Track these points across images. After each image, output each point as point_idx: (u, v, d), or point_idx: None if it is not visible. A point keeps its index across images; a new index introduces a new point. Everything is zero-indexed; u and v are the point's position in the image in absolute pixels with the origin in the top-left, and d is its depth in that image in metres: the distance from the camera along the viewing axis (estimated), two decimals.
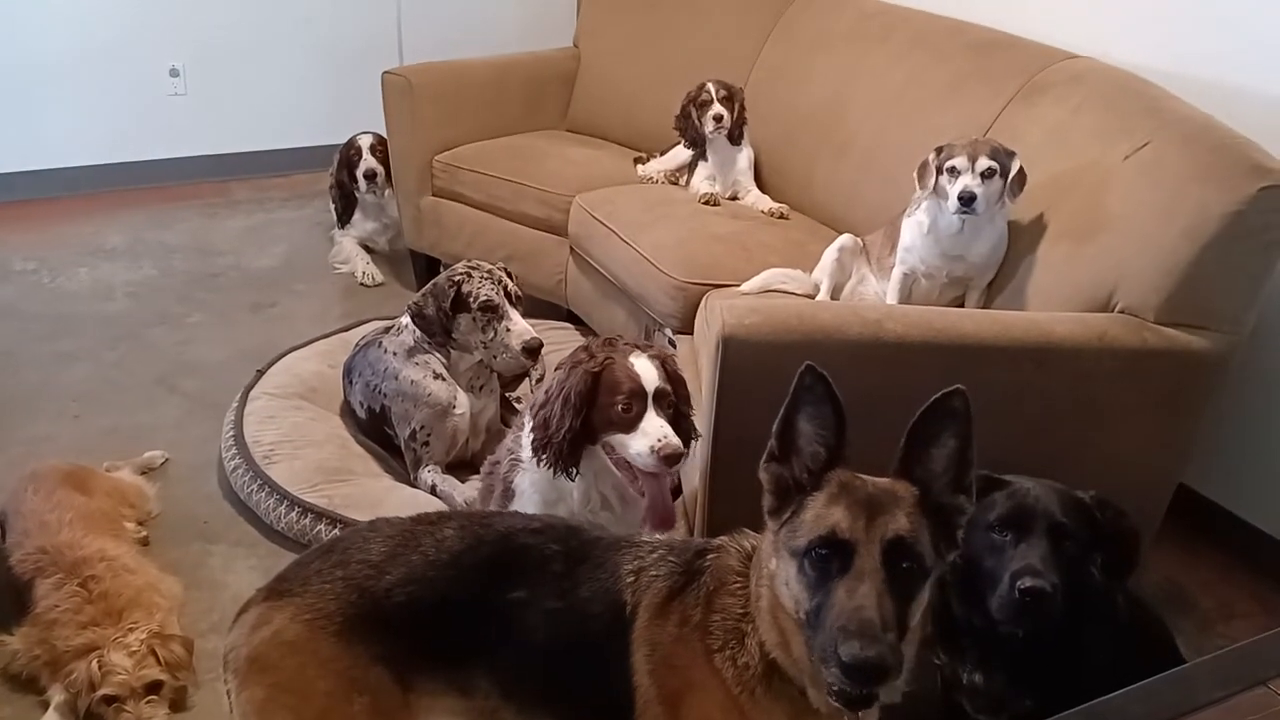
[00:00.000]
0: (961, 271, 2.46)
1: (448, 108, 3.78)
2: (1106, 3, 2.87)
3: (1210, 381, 2.05)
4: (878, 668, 1.15)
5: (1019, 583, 1.58)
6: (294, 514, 2.51)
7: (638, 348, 2.05)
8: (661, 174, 3.50)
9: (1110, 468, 2.02)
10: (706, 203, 3.23)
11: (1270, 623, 2.37)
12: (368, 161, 4.11)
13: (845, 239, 2.75)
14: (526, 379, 3.14)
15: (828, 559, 1.22)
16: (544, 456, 1.99)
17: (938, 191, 2.38)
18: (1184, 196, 2.02)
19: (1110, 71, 2.61)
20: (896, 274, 2.54)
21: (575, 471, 2.02)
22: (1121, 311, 2.06)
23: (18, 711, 2.07)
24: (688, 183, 3.41)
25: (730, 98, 3.28)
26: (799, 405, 1.30)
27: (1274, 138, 2.09)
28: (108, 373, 3.33)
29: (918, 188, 2.45)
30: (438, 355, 2.74)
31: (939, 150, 2.38)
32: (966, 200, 2.29)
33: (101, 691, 1.98)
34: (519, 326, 2.67)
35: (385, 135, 3.98)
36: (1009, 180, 2.32)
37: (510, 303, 2.69)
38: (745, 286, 2.72)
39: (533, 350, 2.67)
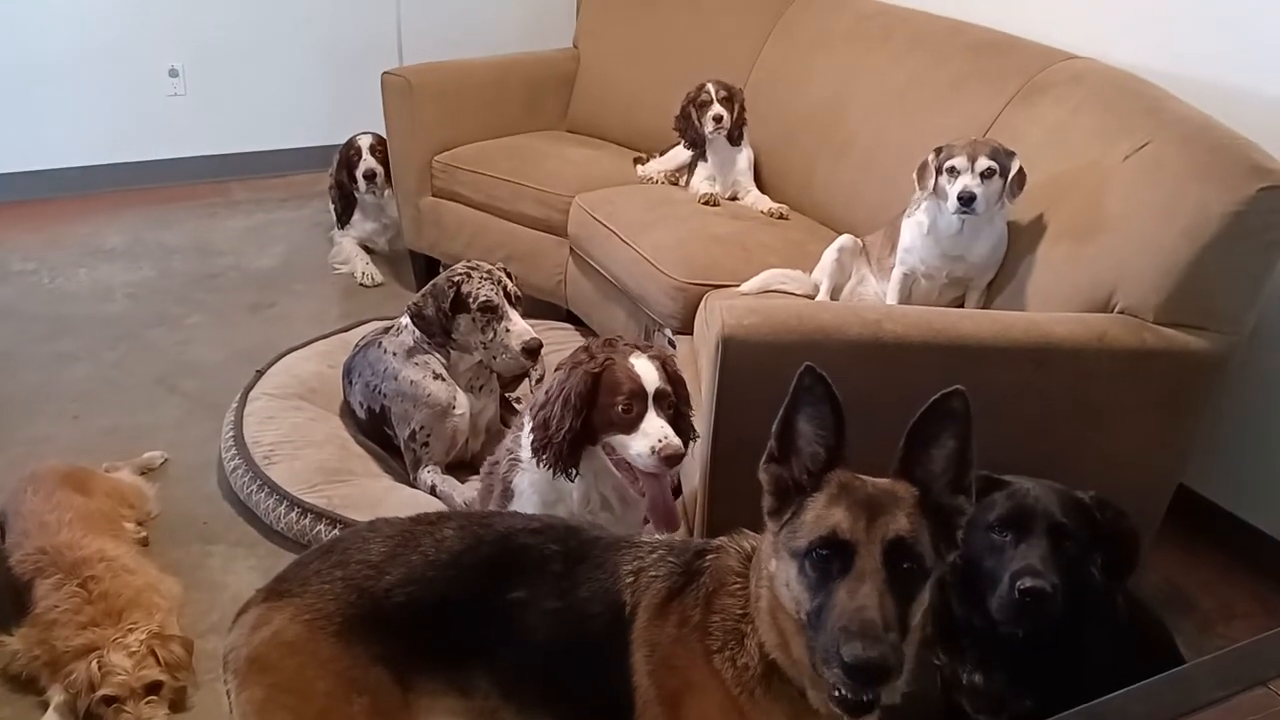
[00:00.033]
0: (961, 272, 2.46)
1: (447, 108, 3.78)
2: (1106, 3, 2.87)
3: (1210, 382, 2.05)
4: (880, 668, 1.15)
5: (1019, 583, 1.58)
6: (294, 514, 2.51)
7: (638, 348, 2.05)
8: (661, 174, 3.50)
9: (1110, 468, 2.01)
10: (706, 203, 3.23)
11: (1270, 623, 2.37)
12: (367, 162, 4.11)
13: (845, 239, 2.75)
14: (526, 379, 3.14)
15: (828, 560, 1.22)
16: (544, 457, 2.00)
17: (937, 192, 2.38)
18: (1184, 197, 2.01)
19: (1110, 72, 2.61)
20: (896, 274, 2.54)
21: (575, 472, 2.02)
22: (1121, 312, 2.06)
23: (17, 712, 2.06)
24: (687, 183, 3.41)
25: (730, 98, 3.28)
26: (798, 406, 1.29)
27: (1274, 138, 2.09)
28: (107, 373, 3.33)
29: (917, 188, 2.45)
30: (437, 356, 2.74)
31: (938, 151, 2.38)
32: (966, 200, 2.29)
33: (101, 692, 1.97)
34: (518, 327, 2.67)
35: (385, 136, 3.98)
36: (1009, 180, 2.32)
37: (510, 303, 2.69)
38: (745, 287, 2.72)
39: (532, 351, 2.67)
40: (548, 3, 4.94)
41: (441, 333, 2.70)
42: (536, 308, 3.42)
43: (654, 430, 1.94)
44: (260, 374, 3.05)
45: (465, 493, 2.63)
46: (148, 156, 4.81)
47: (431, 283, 2.77)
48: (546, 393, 2.04)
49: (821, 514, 1.24)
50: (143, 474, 2.74)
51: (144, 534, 2.52)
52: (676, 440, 1.95)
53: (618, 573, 1.44)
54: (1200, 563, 2.62)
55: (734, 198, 3.34)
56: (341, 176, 4.22)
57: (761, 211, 3.25)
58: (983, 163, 2.30)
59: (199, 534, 2.59)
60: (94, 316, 3.69)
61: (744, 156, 3.36)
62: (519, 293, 2.76)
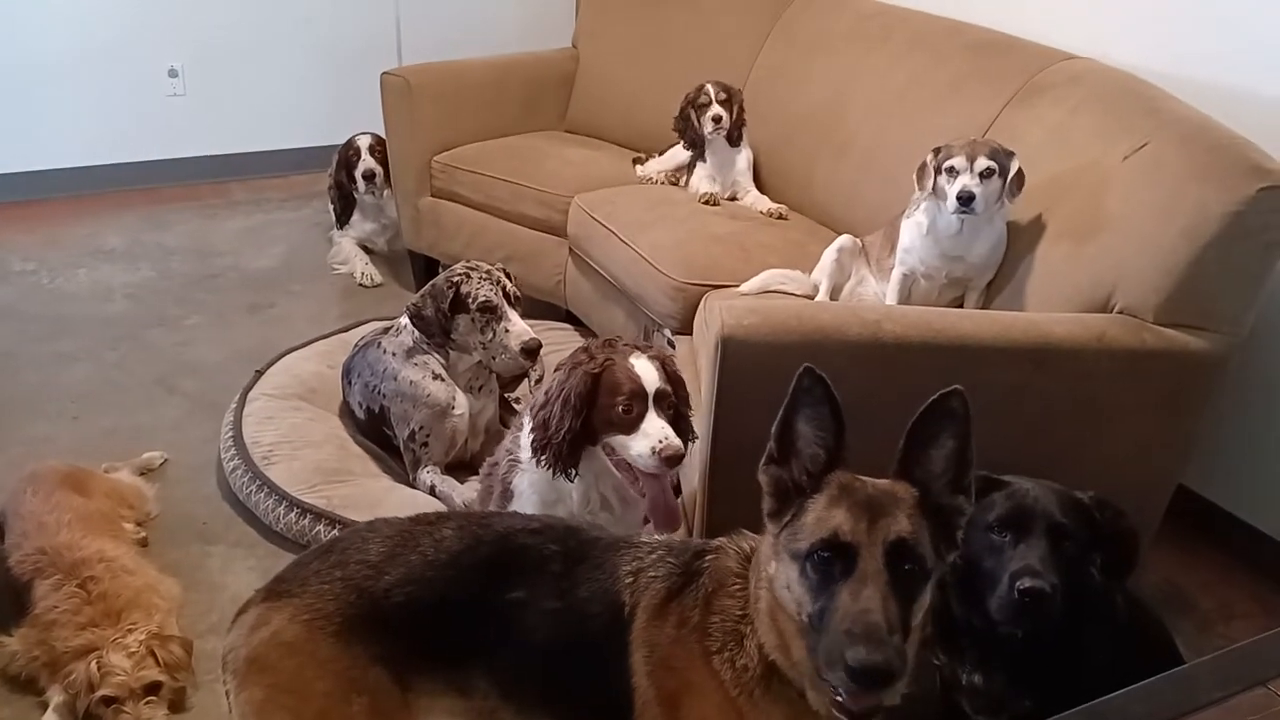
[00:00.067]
0: (961, 272, 2.46)
1: (446, 108, 3.78)
2: (1105, 3, 2.87)
3: (1209, 382, 2.05)
4: (885, 672, 1.14)
5: (1018, 583, 1.58)
6: (293, 515, 2.51)
7: (637, 349, 2.05)
8: (660, 174, 3.50)
9: (1109, 468, 2.01)
10: (707, 202, 3.23)
11: (1270, 623, 2.37)
12: (366, 162, 4.12)
13: (844, 240, 2.75)
14: (525, 380, 3.14)
15: (830, 562, 1.21)
16: (543, 457, 1.99)
17: (936, 192, 2.38)
18: (1183, 197, 2.01)
19: (1109, 72, 2.61)
20: (896, 275, 2.54)
21: (575, 472, 2.02)
22: (1120, 312, 2.06)
23: (17, 712, 2.06)
24: (686, 183, 3.41)
25: (729, 99, 3.28)
26: (798, 407, 1.29)
27: (1273, 138, 2.09)
28: (107, 374, 3.33)
29: (916, 188, 2.45)
30: (436, 356, 2.74)
31: (937, 151, 2.38)
32: (965, 200, 2.29)
33: (100, 692, 1.97)
34: (518, 327, 2.67)
35: (384, 136, 3.98)
36: (1008, 181, 2.32)
37: (509, 303, 2.69)
38: (744, 287, 2.72)
39: (531, 351, 2.67)
40: (547, 3, 4.94)
41: (440, 333, 2.70)
42: (536, 308, 3.42)
43: (655, 431, 1.94)
44: (259, 374, 3.05)
45: (464, 493, 2.63)
46: (147, 157, 4.81)
47: (430, 283, 2.76)
48: (546, 393, 2.04)
49: (822, 516, 1.24)
50: (142, 474, 2.74)
51: (143, 534, 2.51)
52: (677, 441, 1.95)
53: (617, 573, 1.44)
54: (1200, 563, 2.62)
55: (733, 198, 3.34)
56: (341, 177, 4.22)
57: (761, 212, 3.25)
58: (981, 163, 2.30)
59: (198, 534, 2.59)
60: (93, 317, 3.69)
61: (743, 157, 3.36)
62: (518, 293, 2.76)
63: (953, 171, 2.32)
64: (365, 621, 1.42)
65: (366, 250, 4.23)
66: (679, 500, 2.22)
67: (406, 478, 2.74)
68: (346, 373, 2.91)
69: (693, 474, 2.20)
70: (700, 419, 2.07)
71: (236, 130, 4.95)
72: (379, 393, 2.75)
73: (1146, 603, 1.95)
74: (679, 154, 3.45)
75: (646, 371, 1.97)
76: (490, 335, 2.67)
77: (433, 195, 3.76)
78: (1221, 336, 2.00)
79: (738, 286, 2.73)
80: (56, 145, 4.63)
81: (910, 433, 1.28)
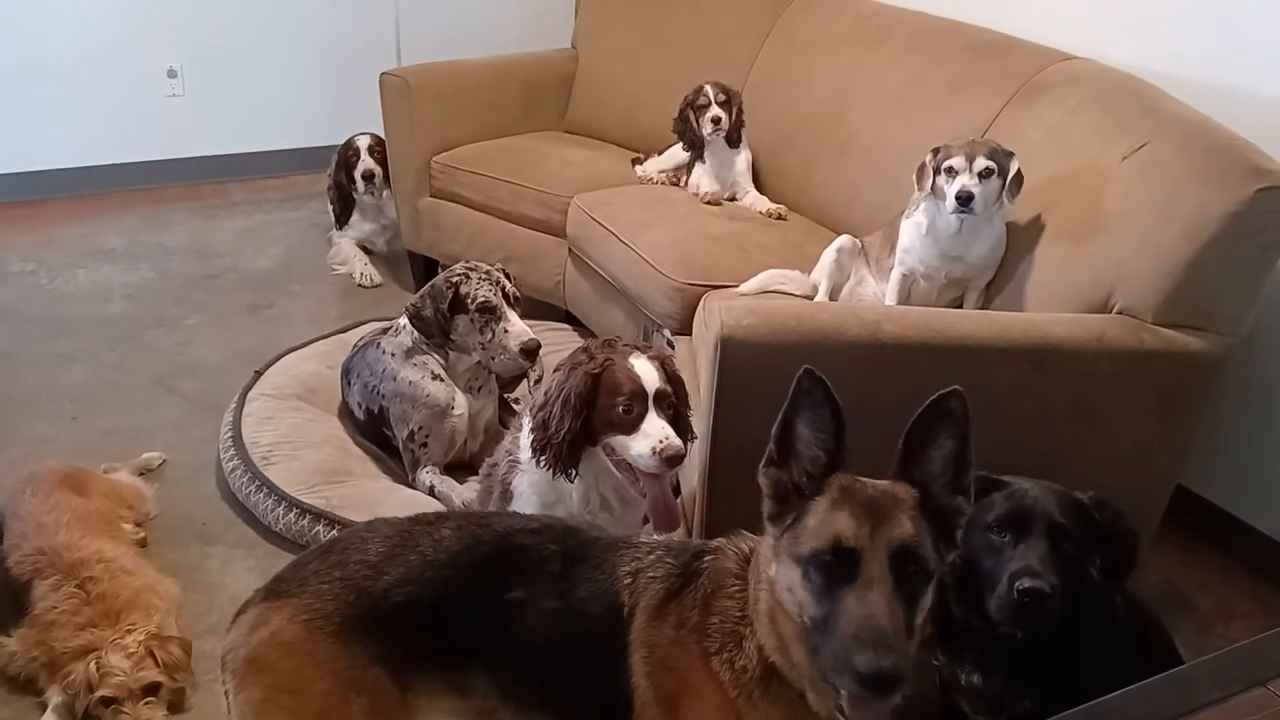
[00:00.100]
0: (960, 272, 2.46)
1: (446, 109, 3.78)
2: (1104, 3, 2.87)
3: (1209, 382, 2.05)
4: (893, 677, 1.14)
5: (1018, 583, 1.58)
6: (292, 515, 2.51)
7: (637, 349, 2.05)
8: (660, 174, 3.50)
9: (1109, 468, 2.01)
10: (708, 202, 3.24)
11: (1270, 623, 2.37)
12: (366, 162, 4.12)
13: (844, 240, 2.75)
14: (524, 380, 3.14)
15: (833, 566, 1.21)
16: (543, 458, 1.99)
17: (935, 192, 2.38)
18: (1182, 197, 2.01)
19: (1108, 72, 2.61)
20: (895, 275, 2.54)
21: (574, 473, 2.02)
22: (1120, 312, 2.06)
23: (16, 713, 2.06)
24: (685, 183, 3.41)
25: (728, 100, 3.28)
26: (797, 409, 1.29)
27: (1273, 138, 2.09)
28: (106, 374, 3.32)
29: (916, 189, 2.45)
30: (436, 356, 2.74)
31: (936, 151, 2.38)
32: (964, 200, 2.29)
33: (99, 693, 1.97)
34: (517, 328, 2.67)
35: (383, 136, 3.98)
36: (1007, 181, 2.32)
37: (508, 304, 2.69)
38: (743, 287, 2.72)
39: (530, 351, 2.67)
40: (546, 3, 4.93)
41: (440, 333, 2.70)
42: (535, 308, 3.41)
43: (655, 431, 1.94)
44: (259, 375, 3.05)
45: (464, 493, 2.62)
46: (146, 157, 4.81)
47: (430, 283, 2.76)
48: (546, 393, 2.04)
49: (825, 519, 1.24)
50: (141, 475, 2.74)
51: (142, 535, 2.51)
52: (677, 441, 1.95)
53: (616, 573, 1.43)
54: (1199, 563, 2.62)
55: (732, 198, 3.34)
56: (340, 177, 4.22)
57: (760, 212, 3.25)
58: (980, 163, 2.30)
59: (197, 535, 2.59)
60: (93, 317, 3.69)
61: (742, 158, 3.36)
62: (517, 293, 2.76)
63: (952, 171, 2.32)
64: (364, 621, 1.42)
65: (366, 251, 4.23)
66: (678, 500, 2.23)
67: (406, 478, 2.74)
68: (346, 373, 2.90)
69: (692, 474, 2.20)
70: (699, 419, 2.07)
71: (236, 130, 4.95)
72: (378, 393, 2.75)
73: (1146, 603, 1.95)
74: (678, 154, 3.45)
75: (646, 371, 1.97)
76: (489, 336, 2.67)
77: (432, 196, 3.76)
78: (1221, 337, 2.00)
79: (737, 287, 2.73)
80: (56, 145, 4.63)
81: (909, 433, 1.28)
